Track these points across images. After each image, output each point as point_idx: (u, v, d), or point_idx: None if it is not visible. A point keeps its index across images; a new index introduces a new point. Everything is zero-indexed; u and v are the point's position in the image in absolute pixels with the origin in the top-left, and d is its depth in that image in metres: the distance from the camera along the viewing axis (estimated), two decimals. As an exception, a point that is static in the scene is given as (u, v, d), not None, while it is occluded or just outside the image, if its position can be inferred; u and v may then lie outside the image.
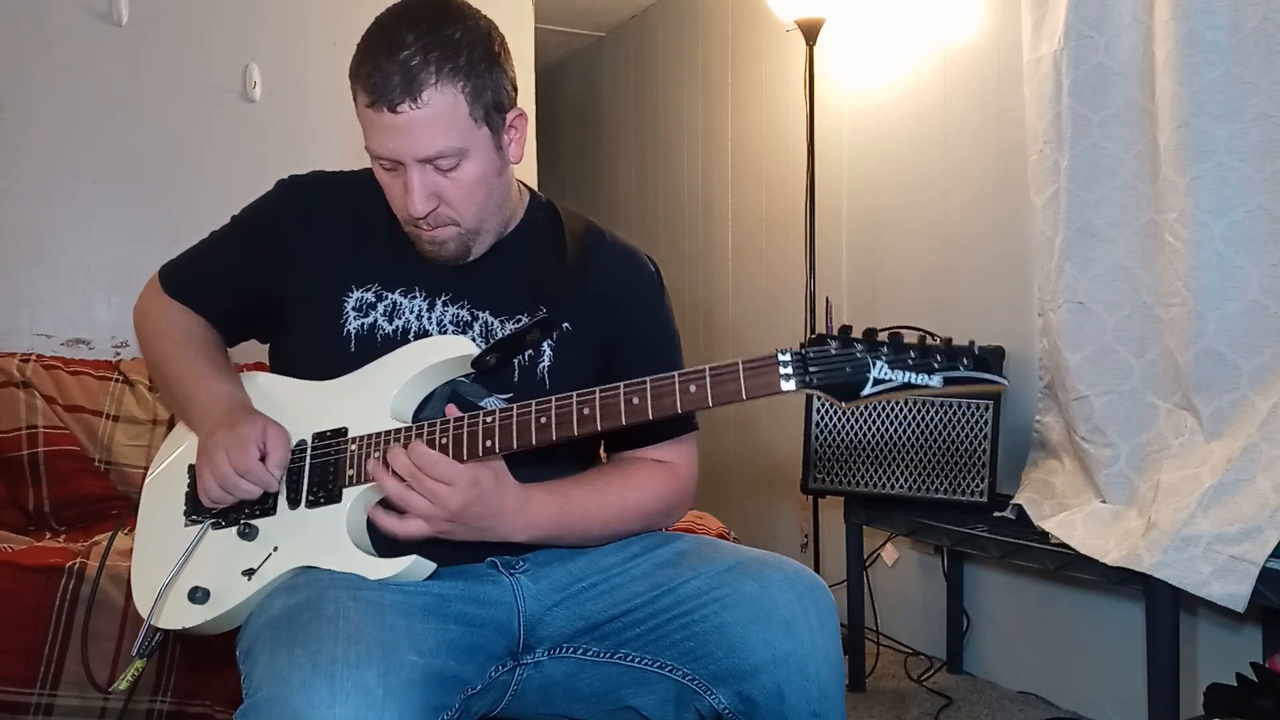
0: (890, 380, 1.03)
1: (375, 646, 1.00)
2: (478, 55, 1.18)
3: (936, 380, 1.03)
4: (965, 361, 1.04)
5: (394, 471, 1.13)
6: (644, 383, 1.10)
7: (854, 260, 3.14)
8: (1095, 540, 2.01)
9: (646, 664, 1.18)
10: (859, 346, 1.04)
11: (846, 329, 1.06)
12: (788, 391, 1.05)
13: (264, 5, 3.02)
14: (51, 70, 2.76)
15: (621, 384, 1.11)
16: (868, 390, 1.03)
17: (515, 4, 3.42)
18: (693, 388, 1.08)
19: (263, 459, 1.20)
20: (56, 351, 2.68)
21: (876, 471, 2.45)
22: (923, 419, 2.41)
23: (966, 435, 2.37)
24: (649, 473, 1.31)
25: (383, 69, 1.14)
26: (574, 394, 1.12)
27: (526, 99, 3.46)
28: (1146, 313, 2.11)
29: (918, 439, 2.41)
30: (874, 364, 1.03)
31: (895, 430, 2.43)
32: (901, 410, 2.42)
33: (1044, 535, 2.13)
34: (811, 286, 2.97)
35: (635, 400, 1.10)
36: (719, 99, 3.84)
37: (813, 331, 2.95)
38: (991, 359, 1.05)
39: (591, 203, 4.93)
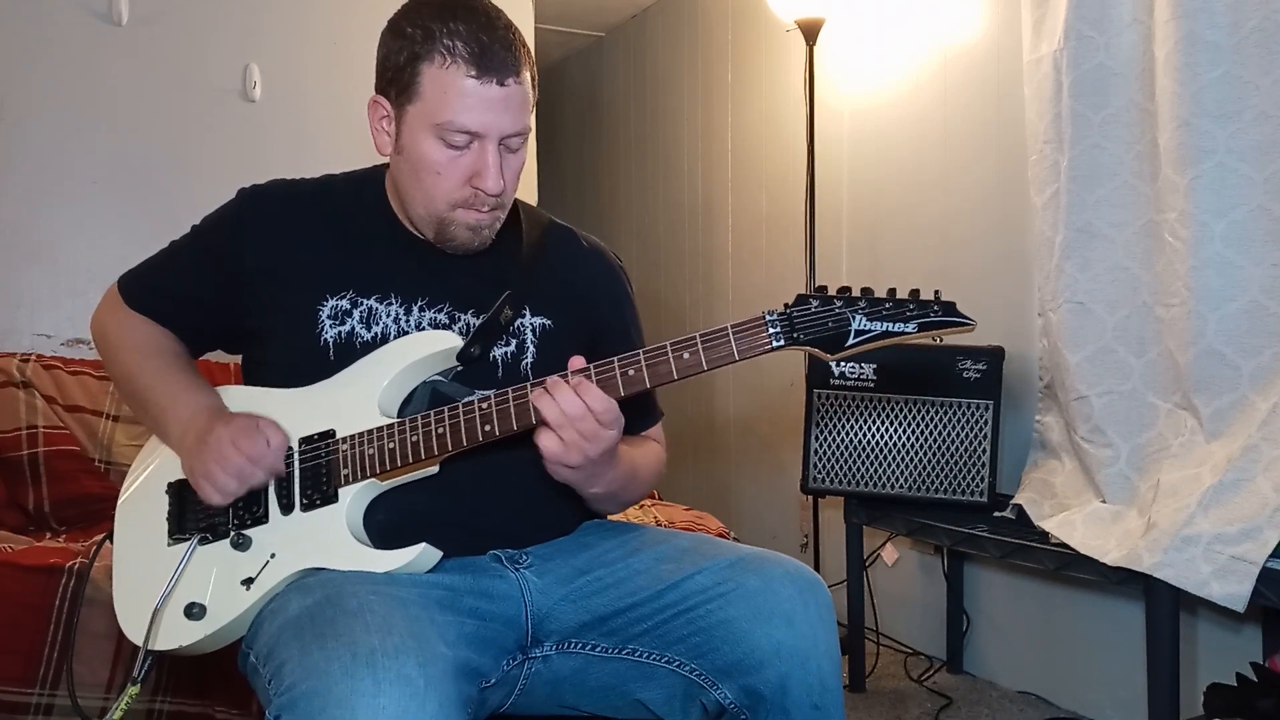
0: (871, 330, 1.09)
1: (409, 638, 1.00)
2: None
3: (912, 326, 1.09)
4: (935, 308, 1.10)
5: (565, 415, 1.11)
6: (637, 355, 1.12)
7: (854, 260, 3.14)
8: (1095, 540, 2.01)
9: (654, 659, 1.20)
10: (838, 302, 1.10)
11: (823, 288, 1.11)
12: (777, 349, 1.10)
13: (264, 5, 3.02)
14: (51, 70, 2.76)
15: (615, 358, 1.13)
16: (851, 341, 1.09)
17: (515, 4, 3.40)
18: (686, 354, 1.11)
19: None
20: (56, 351, 2.68)
21: (876, 471, 2.45)
22: (923, 419, 2.41)
23: (966, 435, 2.37)
24: (649, 448, 1.41)
25: (485, 42, 1.16)
26: (567, 373, 1.13)
27: (526, 99, 3.46)
28: (1146, 313, 2.11)
29: (918, 439, 2.41)
30: (854, 317, 1.09)
31: (895, 430, 2.43)
32: (901, 410, 2.42)
33: (1044, 535, 2.13)
34: (811, 287, 2.97)
35: (631, 372, 1.12)
36: (719, 99, 3.84)
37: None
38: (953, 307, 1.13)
39: (591, 203, 4.93)
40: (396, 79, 1.20)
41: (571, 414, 1.10)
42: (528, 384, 1.14)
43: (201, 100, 2.92)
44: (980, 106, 2.66)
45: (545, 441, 1.12)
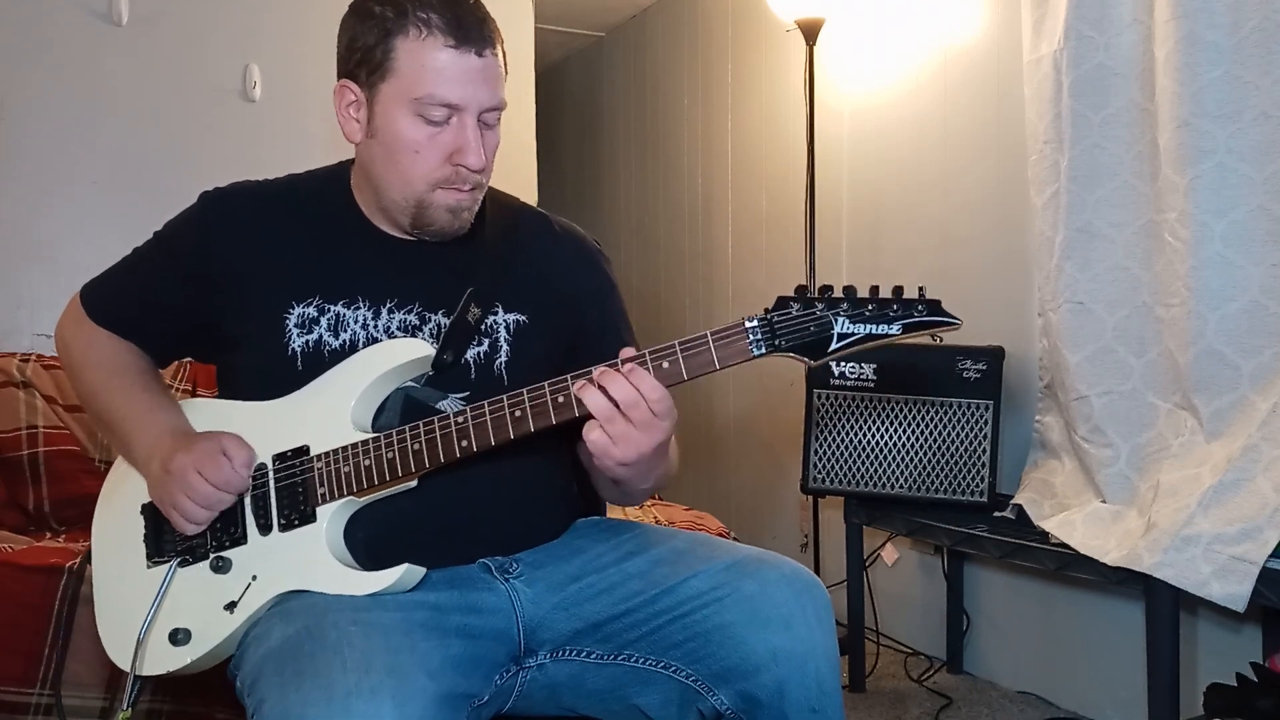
0: (854, 333, 1.05)
1: (387, 676, 0.97)
2: None
3: (896, 328, 1.05)
4: (919, 308, 1.05)
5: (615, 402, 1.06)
6: (615, 365, 1.08)
7: (854, 260, 3.14)
8: (1095, 540, 2.01)
9: (650, 664, 1.18)
10: (819, 305, 1.06)
11: (803, 288, 1.08)
12: (758, 356, 1.06)
13: (264, 5, 3.02)
14: (51, 70, 2.76)
15: (592, 369, 1.08)
16: (834, 346, 1.05)
17: (515, 4, 3.41)
18: (665, 364, 1.07)
19: None
20: (56, 351, 2.68)
21: (876, 471, 2.45)
22: (923, 419, 2.40)
23: (966, 435, 2.37)
24: None
25: (459, 14, 1.14)
26: (545, 383, 1.10)
27: (526, 99, 3.46)
28: (1146, 313, 2.11)
29: (918, 439, 2.41)
30: (836, 320, 1.05)
31: (895, 430, 2.43)
32: (901, 410, 2.42)
33: (1044, 535, 2.13)
34: (813, 287, 2.96)
35: None
36: (719, 99, 3.83)
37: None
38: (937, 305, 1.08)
39: (591, 203, 4.93)
40: (367, 59, 1.16)
41: (624, 400, 1.05)
42: (503, 397, 1.11)
43: (201, 100, 2.92)
44: (980, 106, 2.66)
45: (593, 435, 1.07)
